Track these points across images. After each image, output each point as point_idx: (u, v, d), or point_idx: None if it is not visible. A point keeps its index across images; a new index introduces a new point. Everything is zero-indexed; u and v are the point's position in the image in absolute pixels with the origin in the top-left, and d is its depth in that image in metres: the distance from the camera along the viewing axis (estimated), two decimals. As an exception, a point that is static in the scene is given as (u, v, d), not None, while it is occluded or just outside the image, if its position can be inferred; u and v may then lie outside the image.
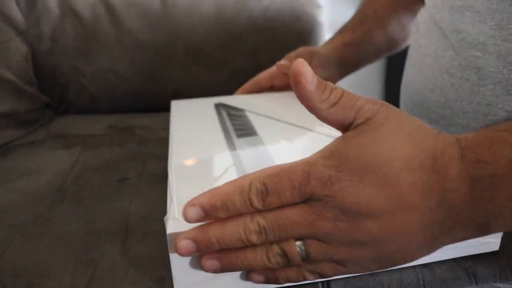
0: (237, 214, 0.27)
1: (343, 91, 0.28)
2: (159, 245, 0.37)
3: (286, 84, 0.62)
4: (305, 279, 0.29)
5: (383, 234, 0.26)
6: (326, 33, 0.85)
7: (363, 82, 1.38)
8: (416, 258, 0.29)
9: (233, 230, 0.27)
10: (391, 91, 1.41)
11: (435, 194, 0.26)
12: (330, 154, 0.27)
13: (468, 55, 0.46)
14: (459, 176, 0.26)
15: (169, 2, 0.79)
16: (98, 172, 0.52)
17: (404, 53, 0.71)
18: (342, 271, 0.28)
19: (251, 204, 0.27)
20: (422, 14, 0.58)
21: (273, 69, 0.61)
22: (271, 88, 0.63)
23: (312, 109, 0.28)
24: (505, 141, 0.27)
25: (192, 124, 0.51)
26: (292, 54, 0.60)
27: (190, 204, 0.27)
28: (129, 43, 0.77)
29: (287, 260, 0.28)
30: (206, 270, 0.29)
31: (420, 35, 0.56)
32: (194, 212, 0.27)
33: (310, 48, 0.62)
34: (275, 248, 0.27)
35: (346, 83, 0.67)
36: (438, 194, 0.26)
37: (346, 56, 0.65)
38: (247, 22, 0.81)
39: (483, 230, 0.28)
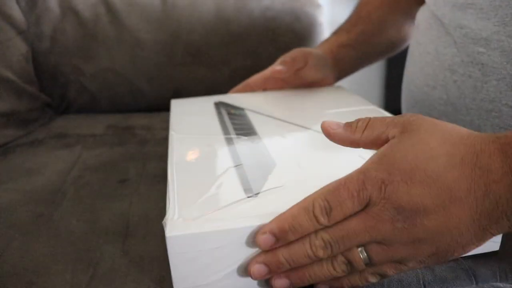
0: (305, 234, 0.29)
1: (370, 117, 0.32)
2: (159, 245, 0.37)
3: (278, 87, 0.62)
4: (368, 282, 0.31)
5: (438, 229, 0.27)
6: (326, 33, 0.85)
7: (364, 82, 1.38)
8: (470, 250, 0.29)
9: (301, 249, 0.29)
10: (391, 91, 1.41)
11: (480, 186, 0.27)
12: (379, 159, 0.29)
13: (471, 51, 0.46)
14: (502, 169, 0.27)
15: (169, 2, 0.79)
16: (98, 172, 0.52)
17: (404, 53, 0.71)
18: (402, 269, 0.30)
19: (318, 222, 0.28)
20: (422, 13, 0.58)
21: (266, 73, 0.61)
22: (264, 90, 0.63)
23: (351, 143, 0.32)
24: None
25: (192, 123, 0.51)
26: (287, 56, 0.60)
27: (261, 232, 0.29)
28: (129, 42, 0.77)
29: (351, 267, 0.29)
30: None
31: (421, 33, 0.56)
32: (265, 239, 0.29)
33: (304, 50, 0.61)
34: (340, 258, 0.29)
35: (346, 84, 0.67)
36: (483, 187, 0.27)
37: (341, 57, 0.65)
38: (247, 22, 0.81)
39: None
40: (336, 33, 0.68)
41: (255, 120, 0.50)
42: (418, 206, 0.27)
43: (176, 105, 0.59)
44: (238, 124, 0.49)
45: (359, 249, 0.29)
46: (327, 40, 0.68)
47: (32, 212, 0.44)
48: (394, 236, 0.28)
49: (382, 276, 0.30)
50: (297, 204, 0.29)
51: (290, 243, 0.29)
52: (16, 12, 0.72)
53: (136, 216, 0.42)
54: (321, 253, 0.29)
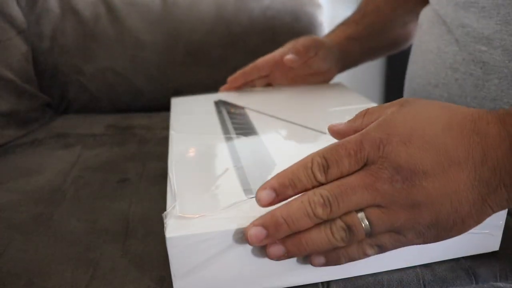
0: (303, 192, 0.29)
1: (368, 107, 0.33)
2: (159, 245, 0.37)
3: (284, 76, 0.62)
4: (366, 254, 0.30)
5: (437, 193, 0.27)
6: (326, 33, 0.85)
7: (364, 81, 1.38)
8: (469, 226, 0.29)
9: (299, 207, 0.28)
10: (392, 90, 1.41)
11: (478, 152, 0.27)
12: (378, 123, 0.29)
13: (473, 50, 0.46)
14: (499, 135, 0.27)
15: (169, 1, 0.79)
16: (98, 172, 0.52)
17: (404, 51, 0.71)
18: (401, 240, 0.29)
19: (315, 178, 0.28)
20: (425, 12, 0.58)
21: (275, 56, 0.60)
22: (266, 76, 0.62)
23: (355, 132, 0.31)
24: None
25: (192, 122, 0.51)
26: (300, 44, 0.59)
27: (262, 188, 0.29)
28: (129, 42, 0.77)
29: (350, 234, 0.28)
30: (271, 257, 0.30)
31: (423, 32, 0.56)
32: (265, 194, 0.29)
33: (316, 40, 0.61)
34: (339, 223, 0.28)
35: (347, 82, 0.67)
36: (481, 151, 0.27)
37: (348, 50, 0.65)
38: (247, 22, 0.81)
39: None
40: (345, 23, 0.68)
41: (255, 119, 0.50)
42: (417, 167, 0.27)
43: (177, 103, 0.59)
44: (238, 123, 0.49)
45: (359, 214, 0.28)
46: (335, 31, 0.67)
47: (32, 212, 0.44)
48: (393, 197, 0.27)
49: (381, 248, 0.30)
50: (297, 162, 0.30)
51: (289, 202, 0.29)
52: (16, 12, 0.72)
53: (136, 216, 0.42)
54: (320, 211, 0.28)
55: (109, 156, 0.57)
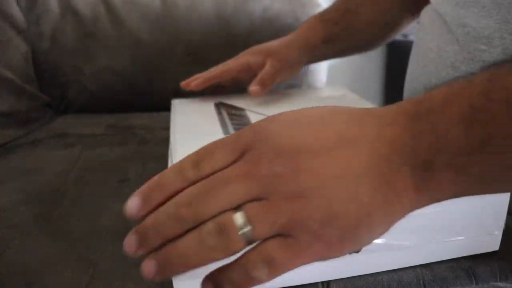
0: (173, 193, 0.24)
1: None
2: (159, 245, 0.37)
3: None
4: (252, 278, 0.23)
5: (328, 173, 0.23)
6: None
7: (363, 80, 1.38)
8: (378, 224, 0.24)
9: (164, 210, 0.24)
10: (392, 90, 1.41)
11: (372, 130, 0.24)
12: (257, 122, 0.26)
13: (473, 49, 0.46)
14: (395, 111, 0.25)
15: (169, 1, 0.79)
16: (98, 172, 0.52)
17: (405, 51, 0.71)
18: (294, 247, 0.23)
19: (185, 176, 0.24)
20: (426, 11, 0.58)
21: (231, 71, 0.59)
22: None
23: None
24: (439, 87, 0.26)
25: (192, 123, 0.51)
26: (246, 58, 0.58)
27: (131, 196, 0.25)
28: (129, 42, 0.77)
29: (224, 239, 0.23)
30: (146, 276, 0.25)
31: (424, 31, 0.56)
32: (130, 202, 0.24)
33: (264, 49, 0.59)
34: (210, 225, 0.23)
35: (347, 81, 0.67)
36: (374, 127, 0.24)
37: (320, 53, 0.62)
38: (247, 22, 0.81)
39: (428, 170, 0.24)
40: (323, 20, 0.62)
41: (256, 121, 0.50)
42: (301, 145, 0.23)
43: (177, 104, 0.59)
44: (238, 125, 0.49)
45: (236, 213, 0.23)
46: (310, 30, 0.62)
47: (32, 212, 0.44)
48: (273, 185, 0.23)
49: (271, 265, 0.23)
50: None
51: (159, 208, 0.24)
52: (16, 12, 0.72)
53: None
54: (183, 212, 0.23)
55: (109, 156, 0.57)
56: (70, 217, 0.43)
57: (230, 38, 0.80)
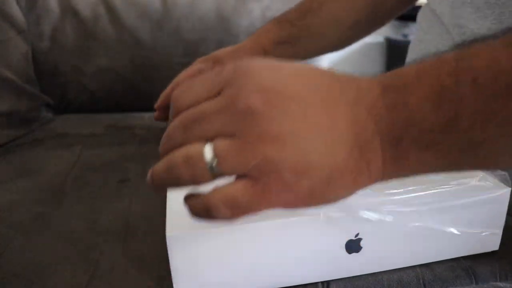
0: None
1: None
2: (159, 245, 0.37)
3: None
4: (213, 216, 0.24)
5: (308, 122, 0.23)
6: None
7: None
8: (345, 187, 0.24)
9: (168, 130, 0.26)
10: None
11: (350, 90, 0.24)
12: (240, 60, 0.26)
13: None
14: (371, 81, 0.25)
15: (169, 1, 0.79)
16: (98, 172, 0.52)
17: (404, 52, 0.71)
18: (258, 191, 0.23)
19: (172, 108, 0.26)
20: (423, 12, 0.58)
21: (187, 75, 0.58)
22: None
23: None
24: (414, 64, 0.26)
25: None
26: (197, 67, 0.57)
27: None
28: (129, 42, 0.77)
29: (191, 169, 0.23)
30: (148, 183, 0.26)
31: (423, 31, 0.56)
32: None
33: (213, 56, 0.58)
34: (176, 154, 0.24)
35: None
36: (353, 90, 0.24)
37: (279, 54, 0.57)
38: (247, 22, 0.81)
39: (398, 145, 0.24)
40: (279, 22, 0.58)
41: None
42: (284, 90, 0.23)
43: None
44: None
45: (205, 146, 0.23)
46: (263, 32, 0.58)
47: (32, 212, 0.44)
48: (248, 122, 0.22)
49: (233, 204, 0.23)
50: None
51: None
52: (16, 12, 0.72)
53: (136, 216, 0.42)
54: (163, 146, 0.25)
55: (109, 156, 0.57)
56: (70, 217, 0.43)
57: (230, 38, 0.80)
